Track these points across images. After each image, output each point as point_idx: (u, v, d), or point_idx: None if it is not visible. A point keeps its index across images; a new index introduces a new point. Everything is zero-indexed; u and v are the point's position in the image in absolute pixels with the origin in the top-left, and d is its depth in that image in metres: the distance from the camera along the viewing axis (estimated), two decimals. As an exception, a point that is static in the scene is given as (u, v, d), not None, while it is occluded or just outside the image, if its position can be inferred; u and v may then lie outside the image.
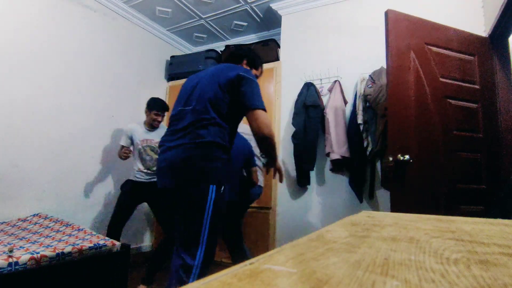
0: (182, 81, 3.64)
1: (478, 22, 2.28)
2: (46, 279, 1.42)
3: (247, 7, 3.20)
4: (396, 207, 1.60)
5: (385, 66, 2.43)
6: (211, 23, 3.55)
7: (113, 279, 1.73)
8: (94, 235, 1.85)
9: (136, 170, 2.47)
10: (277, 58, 3.11)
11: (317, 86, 2.74)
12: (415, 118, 1.74)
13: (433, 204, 1.72)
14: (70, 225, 2.02)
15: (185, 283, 1.21)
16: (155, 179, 2.39)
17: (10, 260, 1.31)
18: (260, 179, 2.24)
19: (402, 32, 1.84)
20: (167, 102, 3.73)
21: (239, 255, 2.18)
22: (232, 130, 1.41)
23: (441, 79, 1.87)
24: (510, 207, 1.42)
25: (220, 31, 3.72)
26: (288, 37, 3.09)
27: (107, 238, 1.80)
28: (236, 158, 1.95)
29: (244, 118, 1.38)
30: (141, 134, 2.50)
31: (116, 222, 2.39)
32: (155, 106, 2.49)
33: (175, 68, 3.65)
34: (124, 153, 2.44)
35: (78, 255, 1.57)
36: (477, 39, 2.06)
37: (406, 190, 1.66)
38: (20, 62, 2.36)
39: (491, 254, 0.33)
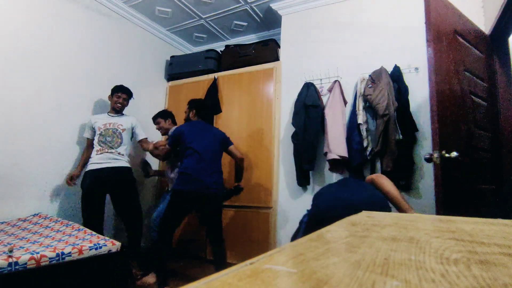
0: (182, 81, 3.65)
1: (478, 22, 2.28)
2: (46, 279, 1.42)
3: (247, 7, 3.20)
4: (445, 209, 1.43)
5: (385, 66, 2.44)
6: (211, 23, 3.55)
7: (113, 279, 1.73)
8: (94, 235, 1.85)
9: (93, 157, 2.41)
10: (277, 58, 3.11)
11: (317, 86, 2.74)
12: (451, 113, 1.59)
13: (471, 205, 1.60)
14: (70, 225, 2.02)
15: None
16: (115, 165, 2.39)
17: (10, 260, 1.30)
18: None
19: (441, 15, 1.64)
20: (167, 102, 3.74)
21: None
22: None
23: (465, 73, 1.74)
24: (510, 207, 1.42)
25: (220, 31, 3.72)
26: (288, 37, 3.09)
27: (107, 238, 1.80)
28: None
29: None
30: (103, 119, 2.53)
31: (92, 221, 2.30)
32: (114, 89, 2.62)
33: (175, 68, 3.65)
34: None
35: (78, 255, 1.56)
36: (484, 37, 2.05)
37: (454, 189, 1.52)
38: (21, 62, 2.36)
39: (491, 254, 0.33)
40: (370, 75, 2.46)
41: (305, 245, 0.36)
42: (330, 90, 2.67)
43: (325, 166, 2.66)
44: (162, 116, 2.85)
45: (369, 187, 1.45)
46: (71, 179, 2.45)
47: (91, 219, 2.30)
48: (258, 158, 2.93)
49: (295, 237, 1.59)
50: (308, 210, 1.53)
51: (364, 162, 2.41)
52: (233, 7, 3.19)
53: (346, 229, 0.50)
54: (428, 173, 2.24)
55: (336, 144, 2.44)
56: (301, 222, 1.56)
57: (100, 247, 1.67)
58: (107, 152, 2.41)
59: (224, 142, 2.37)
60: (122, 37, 3.23)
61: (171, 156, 2.51)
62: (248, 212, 2.86)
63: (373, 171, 2.43)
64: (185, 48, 4.09)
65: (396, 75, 2.39)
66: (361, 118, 2.41)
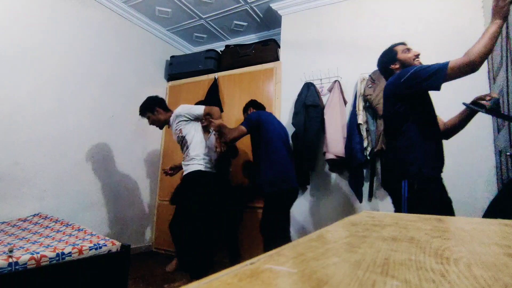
0: (182, 81, 3.65)
1: (478, 22, 2.28)
2: (46, 279, 1.42)
3: (247, 7, 3.20)
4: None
5: (385, 66, 2.44)
6: (211, 23, 3.54)
7: (113, 279, 1.73)
8: (94, 235, 1.85)
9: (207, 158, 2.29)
10: (277, 58, 3.11)
11: (317, 86, 2.74)
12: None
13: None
14: (70, 225, 2.02)
15: None
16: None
17: (10, 260, 1.30)
18: None
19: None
20: (167, 102, 3.73)
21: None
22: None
23: None
24: (510, 207, 1.42)
25: (220, 31, 3.72)
26: (288, 37, 3.09)
27: (107, 238, 1.80)
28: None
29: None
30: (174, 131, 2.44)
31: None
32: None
33: (175, 68, 3.65)
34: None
35: (78, 255, 1.56)
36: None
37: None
38: (21, 62, 2.36)
39: (491, 254, 0.33)
40: (370, 75, 2.46)
41: (305, 245, 0.36)
42: (330, 90, 2.67)
43: (325, 166, 2.66)
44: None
45: None
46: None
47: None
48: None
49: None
50: None
51: (364, 162, 2.41)
52: (233, 7, 3.19)
53: (346, 229, 0.50)
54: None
55: (333, 144, 2.44)
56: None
57: (100, 247, 1.67)
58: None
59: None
60: (122, 37, 3.23)
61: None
62: (248, 212, 2.86)
63: (373, 171, 2.43)
64: (185, 48, 4.09)
65: (396, 75, 2.39)
66: (361, 118, 2.41)
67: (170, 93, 3.73)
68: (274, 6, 3.11)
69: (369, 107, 2.40)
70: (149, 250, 3.39)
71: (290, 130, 2.72)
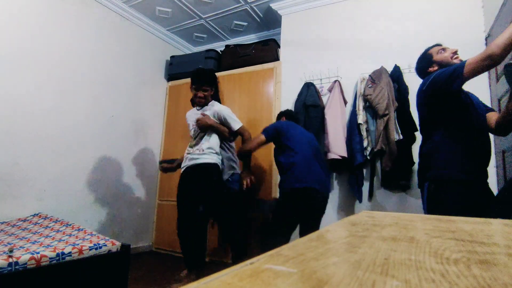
0: (182, 81, 3.65)
1: (478, 22, 2.28)
2: (46, 279, 1.42)
3: (247, 7, 3.20)
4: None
5: (385, 66, 2.44)
6: (211, 23, 3.54)
7: (113, 279, 1.73)
8: (94, 235, 1.85)
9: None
10: (277, 58, 3.11)
11: (317, 86, 2.74)
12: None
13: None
14: (70, 225, 2.02)
15: None
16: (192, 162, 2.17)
17: (10, 260, 1.30)
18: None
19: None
20: (167, 102, 3.74)
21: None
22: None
23: None
24: (510, 206, 1.42)
25: (220, 31, 3.72)
26: (288, 37, 3.09)
27: (107, 238, 1.80)
28: None
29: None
30: (192, 117, 2.33)
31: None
32: (192, 80, 2.25)
33: (175, 68, 3.65)
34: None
35: (78, 255, 1.56)
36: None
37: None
38: (20, 62, 2.36)
39: (491, 254, 0.33)
40: (370, 75, 2.46)
41: (305, 245, 0.36)
42: (330, 90, 2.67)
43: (325, 166, 2.66)
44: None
45: None
46: None
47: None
48: (258, 157, 2.93)
49: None
50: None
51: (364, 162, 2.41)
52: (233, 7, 3.19)
53: (346, 229, 0.50)
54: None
55: (335, 144, 2.44)
56: None
57: (100, 247, 1.67)
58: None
59: None
60: (122, 37, 3.23)
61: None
62: (248, 212, 2.86)
63: (373, 171, 2.43)
64: (185, 48, 4.09)
65: (396, 75, 2.39)
66: (361, 118, 2.41)
67: (170, 93, 3.73)
68: (274, 6, 3.11)
69: (369, 107, 2.40)
70: (149, 250, 3.39)
71: (290, 130, 2.72)
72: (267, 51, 3.14)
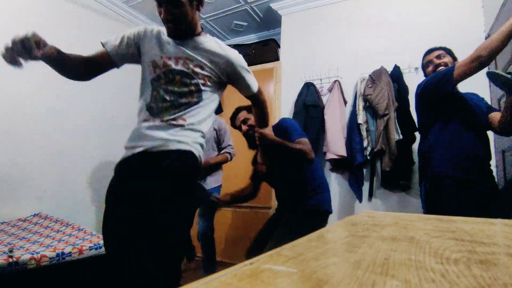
0: (182, 81, 3.64)
1: (478, 22, 2.28)
2: (46, 279, 1.42)
3: (247, 7, 3.20)
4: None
5: (385, 66, 2.44)
6: (211, 23, 3.54)
7: (113, 279, 1.73)
8: (94, 235, 1.85)
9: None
10: (277, 58, 3.11)
11: (317, 86, 2.74)
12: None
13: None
14: (70, 225, 2.02)
15: None
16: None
17: (10, 260, 1.30)
18: None
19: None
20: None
21: None
22: None
23: None
24: (510, 206, 1.42)
25: (220, 31, 3.71)
26: (288, 37, 3.09)
27: (107, 238, 1.80)
28: None
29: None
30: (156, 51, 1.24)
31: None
32: None
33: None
34: None
35: (78, 255, 1.56)
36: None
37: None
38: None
39: (491, 254, 0.33)
40: (370, 75, 2.46)
41: (305, 245, 0.36)
42: (330, 90, 2.67)
43: (325, 166, 2.66)
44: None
45: None
46: None
47: None
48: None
49: None
50: None
51: (364, 162, 2.41)
52: (233, 7, 3.19)
53: (346, 229, 0.50)
54: (428, 173, 2.24)
55: (334, 143, 2.44)
56: None
57: (100, 247, 1.67)
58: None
59: None
60: (122, 37, 3.22)
61: None
62: (247, 212, 2.86)
63: (373, 171, 2.43)
64: (185, 48, 4.09)
65: (396, 75, 2.39)
66: (361, 118, 2.41)
67: (170, 93, 3.73)
68: (274, 6, 3.11)
69: (369, 107, 2.40)
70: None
71: (290, 130, 2.72)
72: (267, 51, 3.14)
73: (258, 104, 1.45)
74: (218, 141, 2.36)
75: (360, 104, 2.45)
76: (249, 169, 1.98)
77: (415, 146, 2.31)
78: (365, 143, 2.39)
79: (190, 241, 2.38)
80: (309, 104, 2.60)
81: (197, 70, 1.13)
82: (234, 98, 3.24)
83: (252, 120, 1.84)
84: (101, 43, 1.29)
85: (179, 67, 1.12)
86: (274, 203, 2.81)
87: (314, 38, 2.94)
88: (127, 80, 3.26)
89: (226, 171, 2.51)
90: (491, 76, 1.27)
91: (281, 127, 1.72)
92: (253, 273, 0.24)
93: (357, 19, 2.76)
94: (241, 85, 1.27)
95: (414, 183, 2.30)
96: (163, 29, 1.21)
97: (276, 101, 2.99)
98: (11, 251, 1.37)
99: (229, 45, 3.60)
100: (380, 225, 0.54)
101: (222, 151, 2.34)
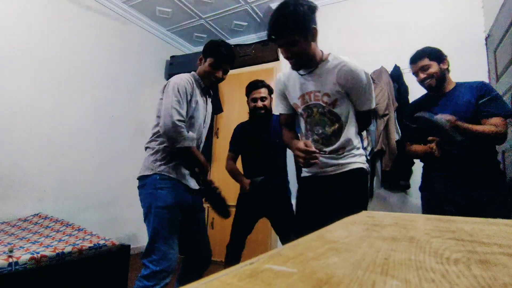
0: (182, 81, 3.65)
1: (478, 22, 2.28)
2: (46, 279, 1.42)
3: (247, 7, 3.20)
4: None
5: (385, 66, 2.44)
6: (211, 23, 3.54)
7: (113, 279, 1.73)
8: (94, 235, 1.85)
9: None
10: (277, 58, 3.11)
11: (317, 86, 2.73)
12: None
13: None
14: (70, 225, 2.02)
15: None
16: None
17: (10, 260, 1.30)
18: None
19: None
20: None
21: None
22: None
23: None
24: (510, 207, 1.42)
25: (220, 31, 3.72)
26: (288, 37, 3.09)
27: (107, 238, 1.80)
28: None
29: None
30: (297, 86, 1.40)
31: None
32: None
33: (175, 68, 3.65)
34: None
35: (78, 255, 1.56)
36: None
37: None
38: (21, 62, 2.36)
39: (491, 254, 0.33)
40: (370, 75, 2.46)
41: (305, 245, 0.36)
42: (330, 90, 2.67)
43: (325, 166, 2.66)
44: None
45: None
46: None
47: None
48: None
49: None
50: None
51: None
52: (233, 7, 3.19)
53: (346, 229, 0.50)
54: (428, 173, 2.24)
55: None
56: None
57: (100, 247, 1.67)
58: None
59: None
60: (122, 37, 3.23)
61: None
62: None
63: (373, 171, 2.43)
64: (185, 48, 4.09)
65: (396, 75, 2.39)
66: (361, 118, 2.41)
67: (170, 93, 3.73)
68: (274, 6, 3.11)
69: (369, 107, 2.40)
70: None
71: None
72: (267, 51, 3.14)
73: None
74: None
75: (360, 104, 2.44)
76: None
77: (415, 146, 2.31)
78: (365, 143, 2.39)
79: None
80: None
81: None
82: (234, 98, 3.24)
83: (268, 102, 1.98)
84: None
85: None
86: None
87: (314, 38, 2.94)
88: (127, 80, 3.27)
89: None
90: (418, 120, 1.36)
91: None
92: (254, 273, 0.24)
93: (357, 19, 2.76)
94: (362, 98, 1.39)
95: (414, 183, 2.30)
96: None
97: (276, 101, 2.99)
98: (11, 251, 1.37)
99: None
100: (380, 225, 0.53)
101: None
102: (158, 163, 1.46)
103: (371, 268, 0.26)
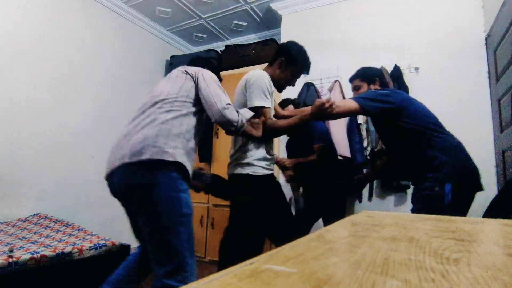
0: (182, 81, 3.65)
1: (478, 22, 2.28)
2: (46, 279, 1.42)
3: (247, 7, 3.20)
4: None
5: (385, 66, 2.44)
6: (211, 23, 3.54)
7: (113, 279, 1.73)
8: (94, 235, 1.85)
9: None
10: (277, 58, 3.11)
11: (317, 86, 2.73)
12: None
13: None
14: (70, 225, 2.02)
15: None
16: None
17: (10, 260, 1.30)
18: None
19: None
20: (167, 102, 3.73)
21: None
22: None
23: None
24: (510, 207, 1.42)
25: (220, 31, 3.72)
26: (288, 37, 3.08)
27: (107, 238, 1.80)
28: None
29: None
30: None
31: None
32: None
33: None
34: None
35: (78, 255, 1.56)
36: None
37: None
38: (21, 61, 2.36)
39: (491, 254, 0.33)
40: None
41: (305, 245, 0.36)
42: (330, 90, 2.67)
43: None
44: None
45: None
46: None
47: None
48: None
49: None
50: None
51: (365, 161, 2.40)
52: (233, 7, 3.19)
53: (346, 229, 0.50)
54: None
55: (340, 144, 2.43)
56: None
57: (100, 247, 1.67)
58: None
59: None
60: (122, 37, 3.23)
61: None
62: (248, 212, 2.86)
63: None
64: (185, 48, 4.09)
65: (396, 75, 2.39)
66: (361, 118, 2.41)
67: (170, 93, 3.73)
68: (274, 6, 3.11)
69: (369, 107, 2.40)
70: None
71: (290, 130, 2.72)
72: (267, 51, 3.14)
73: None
74: None
75: (360, 104, 2.44)
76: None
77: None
78: (365, 143, 2.39)
79: None
80: (309, 104, 2.60)
81: None
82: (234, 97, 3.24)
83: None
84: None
85: None
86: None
87: (314, 38, 2.94)
88: (127, 80, 3.27)
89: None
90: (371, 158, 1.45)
91: None
92: (254, 273, 0.24)
93: (357, 19, 2.76)
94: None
95: (414, 183, 2.30)
96: None
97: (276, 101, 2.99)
98: (11, 251, 1.37)
99: (229, 45, 3.58)
100: (380, 225, 0.54)
101: None
102: (181, 150, 1.14)
103: (371, 268, 0.26)
